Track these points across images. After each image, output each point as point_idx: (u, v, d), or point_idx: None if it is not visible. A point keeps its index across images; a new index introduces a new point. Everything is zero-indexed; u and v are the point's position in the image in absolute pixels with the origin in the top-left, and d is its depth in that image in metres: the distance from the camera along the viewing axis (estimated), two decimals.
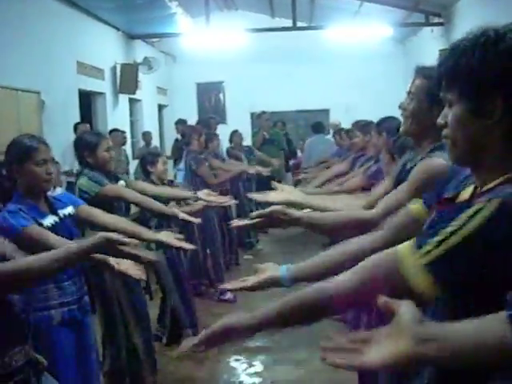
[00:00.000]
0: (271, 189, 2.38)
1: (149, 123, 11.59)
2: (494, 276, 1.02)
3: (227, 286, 1.63)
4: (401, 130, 2.12)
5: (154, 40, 11.84)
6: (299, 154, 11.10)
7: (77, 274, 2.67)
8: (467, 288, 1.06)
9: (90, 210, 2.83)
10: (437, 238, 1.09)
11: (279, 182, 3.96)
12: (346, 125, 7.76)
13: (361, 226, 1.88)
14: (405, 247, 1.16)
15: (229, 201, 4.09)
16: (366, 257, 1.28)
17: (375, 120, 3.87)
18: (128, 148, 9.76)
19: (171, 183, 5.60)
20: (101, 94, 9.23)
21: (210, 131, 6.65)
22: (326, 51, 12.18)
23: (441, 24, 9.87)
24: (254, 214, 2.02)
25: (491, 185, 1.14)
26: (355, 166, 4.91)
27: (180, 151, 7.02)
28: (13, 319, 1.84)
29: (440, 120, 1.24)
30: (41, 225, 2.44)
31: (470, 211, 1.07)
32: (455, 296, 1.11)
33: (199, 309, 4.62)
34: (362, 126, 5.07)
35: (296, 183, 7.80)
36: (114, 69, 9.64)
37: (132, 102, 10.85)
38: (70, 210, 2.72)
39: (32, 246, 2.21)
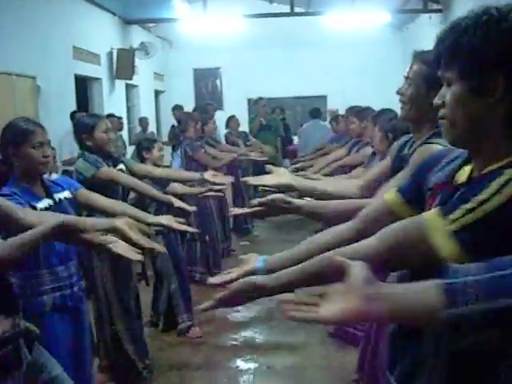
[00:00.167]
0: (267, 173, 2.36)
1: (145, 109, 11.56)
2: None
3: (212, 280, 1.57)
4: (399, 115, 2.11)
5: (151, 25, 11.77)
6: (296, 140, 11.08)
7: (70, 258, 2.64)
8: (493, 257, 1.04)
9: (88, 194, 2.82)
10: (467, 206, 1.08)
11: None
12: (344, 111, 7.75)
13: None
14: (432, 214, 1.15)
15: (231, 180, 4.15)
16: (340, 247, 1.31)
17: (374, 106, 3.87)
18: (125, 134, 9.74)
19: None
20: (97, 79, 9.18)
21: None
22: (323, 37, 12.11)
23: (439, 10, 9.83)
24: (254, 201, 1.99)
25: (494, 167, 1.13)
26: (352, 151, 5.00)
27: (177, 137, 7.01)
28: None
29: (437, 100, 1.23)
30: (34, 208, 2.42)
31: (502, 180, 1.07)
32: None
33: (195, 294, 4.62)
34: (358, 112, 5.08)
35: (294, 170, 7.77)
36: (110, 54, 9.58)
37: (128, 87, 10.80)
38: (66, 194, 2.70)
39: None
